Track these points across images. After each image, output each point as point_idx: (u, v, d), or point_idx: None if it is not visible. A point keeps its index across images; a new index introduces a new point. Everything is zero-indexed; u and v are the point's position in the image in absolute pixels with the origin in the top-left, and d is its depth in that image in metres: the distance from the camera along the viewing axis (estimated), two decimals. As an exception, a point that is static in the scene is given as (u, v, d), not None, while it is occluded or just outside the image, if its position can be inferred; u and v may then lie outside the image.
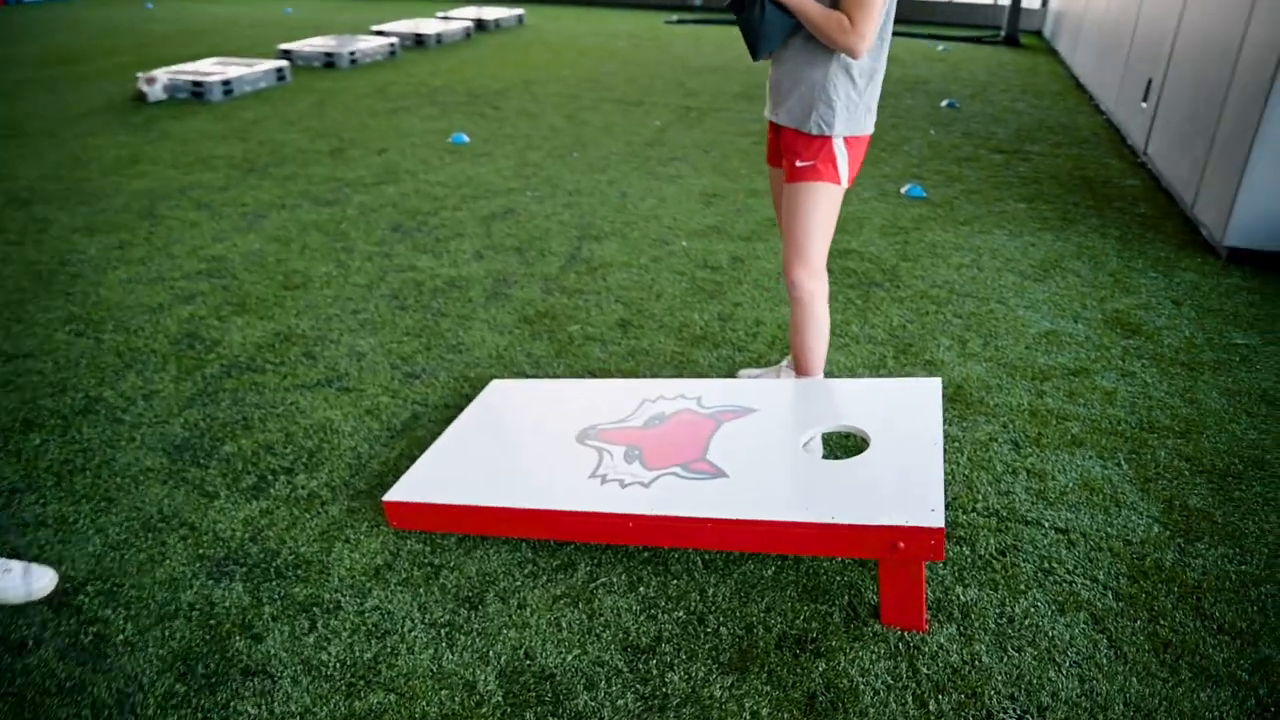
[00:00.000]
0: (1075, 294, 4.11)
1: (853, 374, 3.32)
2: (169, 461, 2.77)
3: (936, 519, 1.94)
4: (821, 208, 2.63)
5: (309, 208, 4.99)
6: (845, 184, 2.65)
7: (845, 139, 2.58)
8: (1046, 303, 4.00)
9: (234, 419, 3.00)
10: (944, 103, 8.21)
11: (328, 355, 3.38)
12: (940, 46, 12.04)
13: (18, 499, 2.60)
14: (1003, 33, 12.84)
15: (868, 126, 2.62)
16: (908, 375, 3.32)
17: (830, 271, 4.18)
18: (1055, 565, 2.36)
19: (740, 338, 3.54)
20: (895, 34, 13.06)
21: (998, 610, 2.20)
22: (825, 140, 2.57)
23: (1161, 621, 2.17)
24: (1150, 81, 6.55)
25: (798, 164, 2.62)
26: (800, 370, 2.89)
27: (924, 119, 7.53)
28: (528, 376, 3.23)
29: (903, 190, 5.48)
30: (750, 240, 4.58)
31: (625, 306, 3.79)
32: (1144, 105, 6.62)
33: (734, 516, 2.09)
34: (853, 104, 2.55)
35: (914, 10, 14.97)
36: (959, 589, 2.27)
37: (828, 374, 3.29)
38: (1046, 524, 2.53)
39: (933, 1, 15.33)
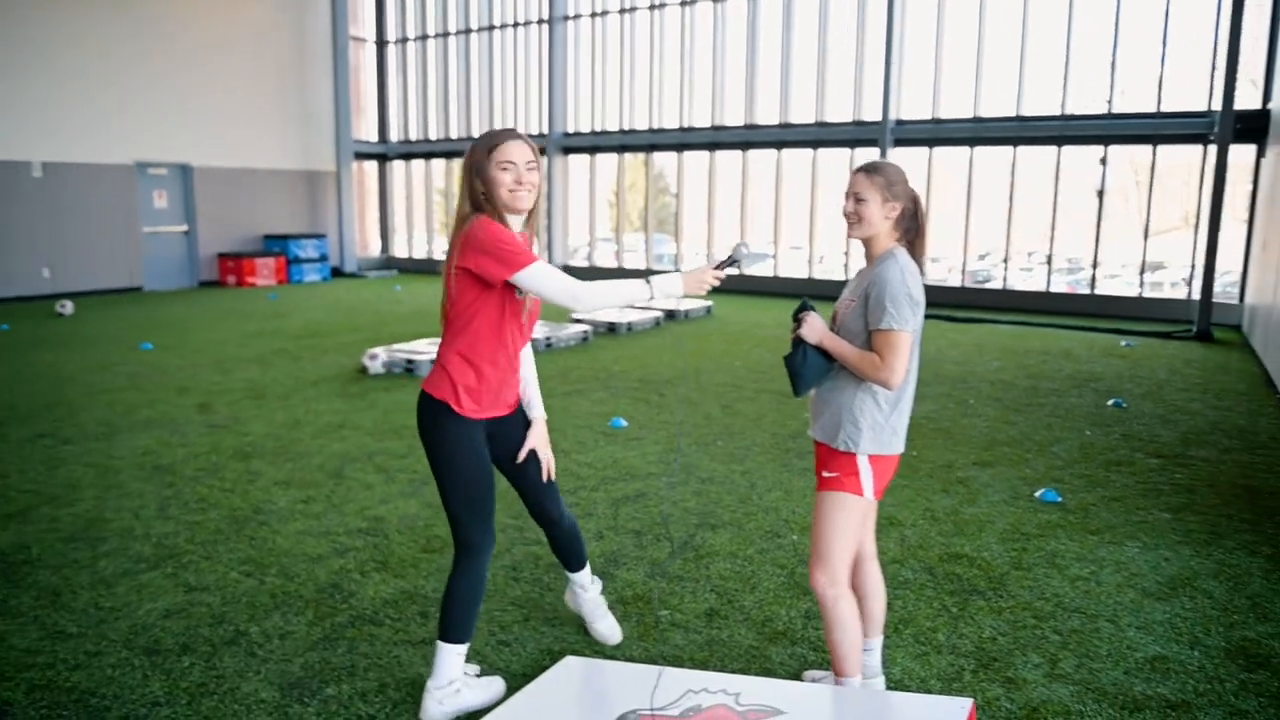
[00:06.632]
0: (1200, 617, 3.91)
1: (924, 684, 3.31)
2: (279, 696, 3.18)
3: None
4: (843, 516, 2.86)
5: (468, 477, 5.61)
6: (871, 497, 2.88)
7: (870, 457, 2.85)
8: (1164, 624, 3.83)
9: (343, 665, 3.40)
10: (1110, 401, 8.11)
11: (439, 617, 3.77)
12: (1125, 342, 11.93)
13: (156, 711, 3.09)
14: (1194, 328, 12.57)
15: (895, 447, 2.89)
16: (982, 692, 3.27)
17: (933, 575, 4.24)
18: None
19: (820, 638, 3.63)
20: (1081, 329, 13.07)
21: None
22: (850, 456, 2.86)
23: None
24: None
25: (824, 474, 2.91)
26: (835, 670, 2.99)
27: (1084, 419, 7.47)
28: (607, 657, 3.46)
29: (1037, 494, 5.45)
30: (860, 536, 4.70)
31: (718, 596, 3.99)
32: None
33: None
34: (878, 426, 2.84)
35: (1104, 305, 14.97)
36: None
37: (898, 682, 3.31)
38: None
39: (1124, 297, 15.30)
